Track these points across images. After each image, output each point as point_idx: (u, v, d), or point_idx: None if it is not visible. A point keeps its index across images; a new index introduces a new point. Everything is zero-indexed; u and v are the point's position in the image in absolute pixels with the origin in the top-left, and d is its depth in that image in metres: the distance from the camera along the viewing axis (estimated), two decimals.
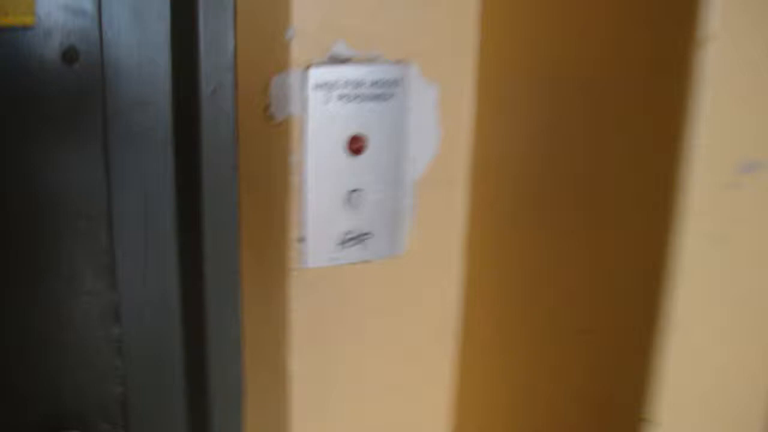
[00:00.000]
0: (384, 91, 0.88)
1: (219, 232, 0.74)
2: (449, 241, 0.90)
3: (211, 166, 0.72)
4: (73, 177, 0.74)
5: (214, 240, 0.74)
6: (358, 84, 0.86)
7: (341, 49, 0.81)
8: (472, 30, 0.85)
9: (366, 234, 0.89)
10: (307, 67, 0.79)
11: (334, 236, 0.90)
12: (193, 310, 0.76)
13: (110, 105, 0.74)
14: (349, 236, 0.91)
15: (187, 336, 0.79)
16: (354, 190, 0.89)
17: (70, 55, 0.72)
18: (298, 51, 0.78)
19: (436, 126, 0.87)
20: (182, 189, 0.76)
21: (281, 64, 0.77)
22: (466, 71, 0.86)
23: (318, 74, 0.80)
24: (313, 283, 0.84)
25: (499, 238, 0.89)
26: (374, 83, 0.87)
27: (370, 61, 0.86)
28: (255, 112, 0.78)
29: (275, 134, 0.79)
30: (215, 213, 0.74)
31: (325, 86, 0.84)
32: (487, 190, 0.89)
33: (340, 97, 0.84)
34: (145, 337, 0.80)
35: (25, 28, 0.68)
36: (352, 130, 0.84)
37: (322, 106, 0.85)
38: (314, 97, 0.81)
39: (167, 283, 0.79)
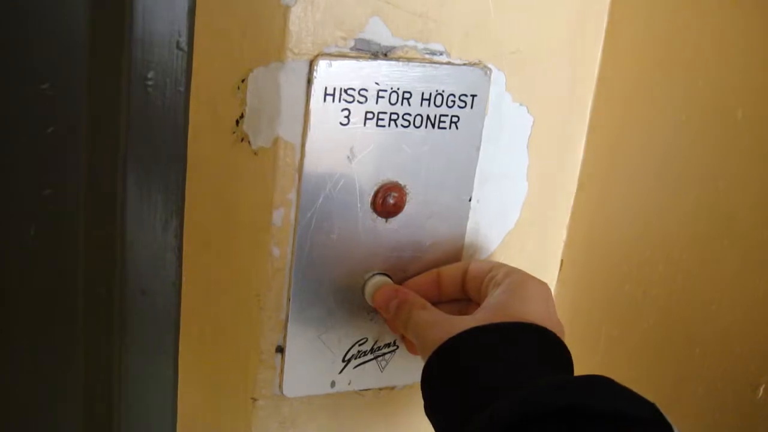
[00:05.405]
0: (445, 113, 0.51)
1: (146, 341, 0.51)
2: None
3: (136, 222, 0.48)
4: None
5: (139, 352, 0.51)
6: (402, 95, 0.49)
7: (378, 31, 0.50)
8: (598, 32, 0.58)
9: (389, 346, 0.58)
10: (315, 58, 0.49)
11: (336, 347, 0.56)
12: None
13: None
14: (361, 349, 0.57)
15: None
16: (376, 275, 0.55)
17: None
18: (301, 26, 0.48)
19: (522, 179, 0.59)
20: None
21: (270, 49, 0.48)
22: (584, 96, 0.60)
23: (333, 71, 0.49)
24: (291, 421, 0.55)
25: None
26: (430, 96, 0.50)
27: (425, 57, 0.52)
28: (217, 129, 0.49)
29: (249, 172, 0.50)
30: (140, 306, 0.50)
31: (345, 94, 0.50)
32: (591, 293, 0.62)
33: (369, 117, 0.51)
34: None
35: None
36: (384, 176, 0.53)
37: (336, 130, 0.50)
38: (322, 112, 0.50)
39: None
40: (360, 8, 0.49)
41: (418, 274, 0.56)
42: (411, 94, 0.51)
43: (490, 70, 0.54)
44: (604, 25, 0.59)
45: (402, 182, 0.53)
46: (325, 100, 0.49)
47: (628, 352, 0.59)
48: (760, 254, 0.49)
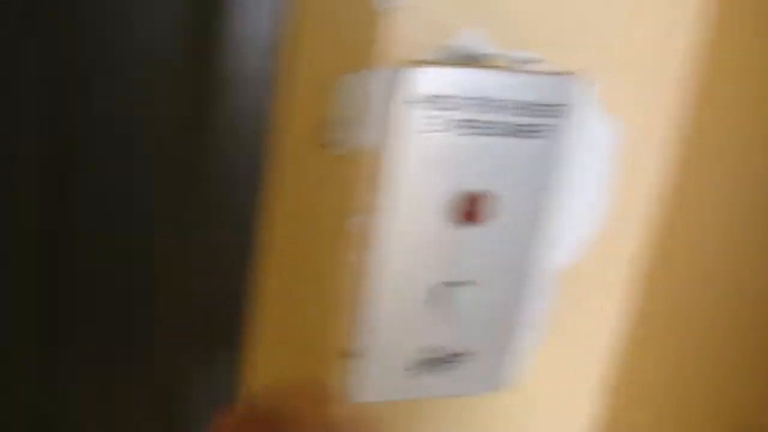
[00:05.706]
0: (534, 122, 0.49)
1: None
2: (596, 372, 0.62)
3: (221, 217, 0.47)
4: None
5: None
6: (495, 104, 0.48)
7: (469, 38, 0.49)
8: (693, 42, 0.56)
9: (459, 355, 0.57)
10: (405, 64, 0.47)
11: (404, 354, 0.55)
12: None
13: None
14: (428, 356, 0.56)
15: None
16: (451, 283, 0.54)
17: None
18: (392, 33, 0.46)
19: (609, 191, 0.58)
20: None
21: (360, 55, 0.46)
22: (677, 108, 0.57)
23: (421, 79, 0.48)
24: None
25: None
26: (522, 106, 0.48)
27: (516, 65, 0.51)
28: (301, 134, 0.48)
29: (332, 175, 0.49)
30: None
31: (435, 102, 0.49)
32: (674, 299, 0.61)
33: (459, 124, 0.50)
34: None
35: None
36: (468, 184, 0.52)
37: (423, 137, 0.49)
38: (411, 119, 0.48)
39: None
40: (453, 15, 0.47)
41: (499, 283, 0.54)
42: (499, 103, 0.50)
43: (582, 79, 0.52)
44: (700, 35, 0.56)
45: (485, 191, 0.52)
46: (411, 107, 0.47)
47: (713, 366, 0.58)
48: None
